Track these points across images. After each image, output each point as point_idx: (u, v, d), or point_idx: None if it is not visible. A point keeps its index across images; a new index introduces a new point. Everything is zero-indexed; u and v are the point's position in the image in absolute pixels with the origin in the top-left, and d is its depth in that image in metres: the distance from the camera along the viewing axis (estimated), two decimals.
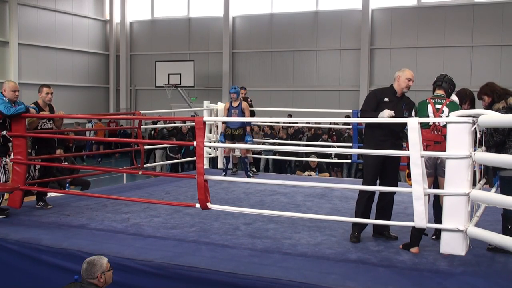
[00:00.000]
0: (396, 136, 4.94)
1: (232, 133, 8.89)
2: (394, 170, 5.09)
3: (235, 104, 8.95)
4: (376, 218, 5.04)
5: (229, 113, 8.97)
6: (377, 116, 4.83)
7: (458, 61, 18.10)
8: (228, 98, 9.21)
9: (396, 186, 5.08)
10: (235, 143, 8.81)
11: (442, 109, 4.69)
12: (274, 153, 14.18)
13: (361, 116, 5.12)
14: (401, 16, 19.18)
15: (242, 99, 9.66)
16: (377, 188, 4.83)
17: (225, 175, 8.63)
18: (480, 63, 17.95)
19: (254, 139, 9.98)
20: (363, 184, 5.01)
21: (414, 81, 5.11)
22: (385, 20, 19.50)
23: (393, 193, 5.05)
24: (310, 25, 20.50)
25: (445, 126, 4.51)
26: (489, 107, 4.82)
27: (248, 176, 8.88)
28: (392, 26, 19.32)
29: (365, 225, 5.03)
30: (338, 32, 20.05)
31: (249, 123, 8.99)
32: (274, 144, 12.23)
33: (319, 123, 12.67)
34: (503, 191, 4.59)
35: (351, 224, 5.05)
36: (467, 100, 5.25)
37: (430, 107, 4.73)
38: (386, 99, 4.95)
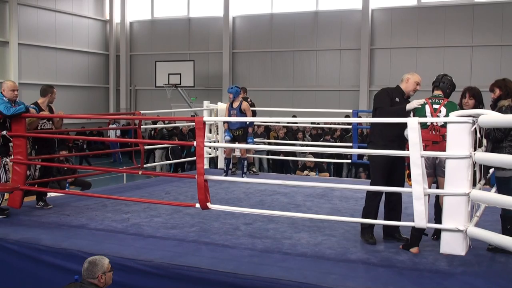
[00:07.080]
0: (403, 137, 4.80)
1: (233, 134, 8.86)
2: (401, 172, 4.95)
3: (235, 104, 8.91)
4: (385, 220, 4.94)
5: (228, 114, 8.93)
6: (405, 108, 4.69)
7: (458, 61, 18.09)
8: (227, 98, 9.15)
9: (403, 187, 4.92)
10: (235, 143, 8.79)
11: (440, 109, 4.68)
12: (270, 153, 14.08)
13: (380, 114, 4.79)
14: (401, 16, 19.17)
15: (242, 99, 9.64)
16: (378, 188, 4.80)
17: (226, 176, 8.62)
18: (480, 63, 17.94)
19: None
20: (371, 185, 4.85)
21: None
22: (385, 20, 19.49)
23: (400, 194, 4.96)
24: (310, 25, 20.49)
25: (443, 126, 4.51)
26: (495, 101, 4.80)
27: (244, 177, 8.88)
28: (392, 26, 19.31)
29: (373, 225, 4.95)
30: (338, 32, 20.05)
31: (251, 124, 8.85)
32: (270, 144, 12.17)
33: (318, 123, 12.62)
34: (500, 192, 4.59)
35: (361, 228, 4.97)
36: None
37: (427, 107, 4.71)
38: (397, 99, 4.90)
